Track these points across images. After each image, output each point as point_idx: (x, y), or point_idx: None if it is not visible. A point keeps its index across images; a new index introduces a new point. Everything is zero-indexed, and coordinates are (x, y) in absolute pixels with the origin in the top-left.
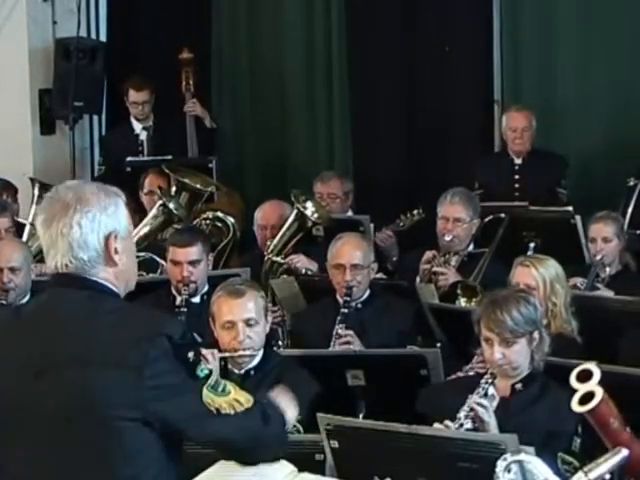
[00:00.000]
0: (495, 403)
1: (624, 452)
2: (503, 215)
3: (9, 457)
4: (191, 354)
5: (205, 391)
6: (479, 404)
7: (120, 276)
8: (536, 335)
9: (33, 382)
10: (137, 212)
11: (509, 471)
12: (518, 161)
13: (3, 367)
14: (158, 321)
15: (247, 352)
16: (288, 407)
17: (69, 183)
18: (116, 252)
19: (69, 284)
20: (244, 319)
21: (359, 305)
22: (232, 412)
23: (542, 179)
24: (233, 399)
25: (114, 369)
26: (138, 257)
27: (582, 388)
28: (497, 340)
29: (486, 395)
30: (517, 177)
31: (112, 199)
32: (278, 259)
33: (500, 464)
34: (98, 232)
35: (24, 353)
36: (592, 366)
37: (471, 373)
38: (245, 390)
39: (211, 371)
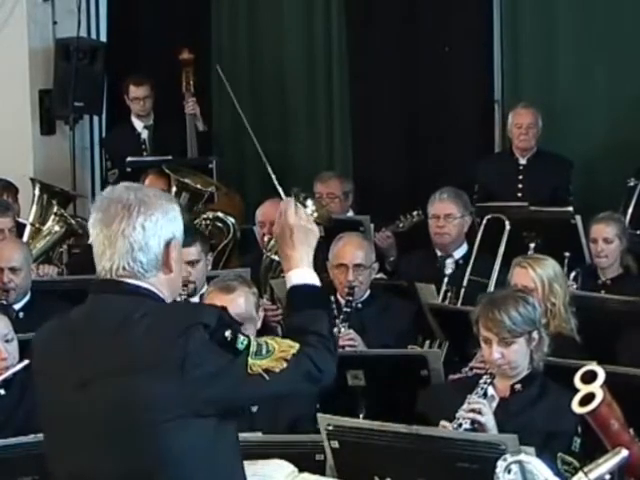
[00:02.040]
0: (494, 403)
1: (624, 453)
2: (502, 216)
3: (58, 468)
4: (228, 332)
5: (251, 360)
6: (473, 410)
7: (170, 283)
8: (535, 335)
9: (77, 394)
10: None
11: (509, 471)
12: (523, 161)
13: (50, 379)
14: (191, 312)
15: None
16: None
17: (126, 184)
18: (173, 259)
19: (112, 290)
20: (233, 315)
21: (359, 305)
22: (278, 369)
23: (547, 181)
24: (279, 354)
25: (154, 373)
26: None
27: (585, 389)
28: (495, 340)
29: (485, 395)
30: (521, 177)
31: (172, 205)
32: (276, 257)
33: (500, 464)
34: (160, 236)
35: (69, 365)
36: (597, 367)
37: (470, 374)
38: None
39: (249, 339)
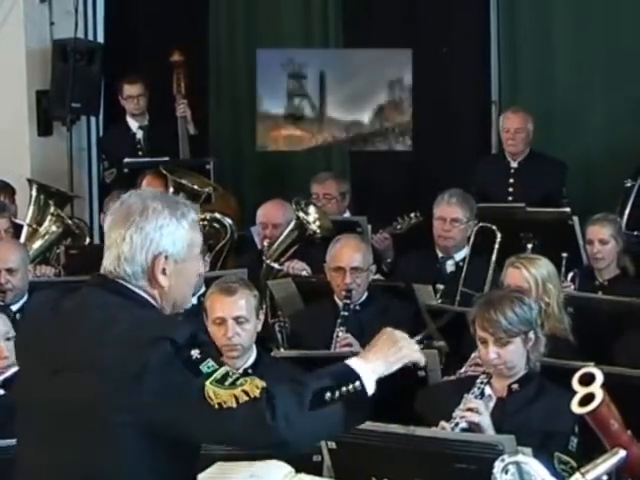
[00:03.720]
0: (491, 403)
1: (622, 453)
2: (492, 226)
3: (22, 448)
4: (195, 352)
5: (208, 385)
6: (469, 409)
7: (164, 296)
8: (531, 335)
9: (48, 380)
10: None
11: (506, 472)
12: (514, 164)
13: (29, 362)
14: (164, 326)
15: None
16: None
17: (145, 191)
18: (163, 273)
19: (105, 286)
20: (234, 317)
21: (357, 307)
22: (234, 405)
23: (538, 184)
24: (240, 390)
25: (115, 373)
26: None
27: (584, 391)
28: (492, 340)
29: (482, 395)
30: (512, 181)
31: (174, 219)
32: (275, 265)
33: (497, 465)
34: (147, 250)
35: (48, 350)
36: (594, 369)
37: (468, 373)
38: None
39: (220, 365)
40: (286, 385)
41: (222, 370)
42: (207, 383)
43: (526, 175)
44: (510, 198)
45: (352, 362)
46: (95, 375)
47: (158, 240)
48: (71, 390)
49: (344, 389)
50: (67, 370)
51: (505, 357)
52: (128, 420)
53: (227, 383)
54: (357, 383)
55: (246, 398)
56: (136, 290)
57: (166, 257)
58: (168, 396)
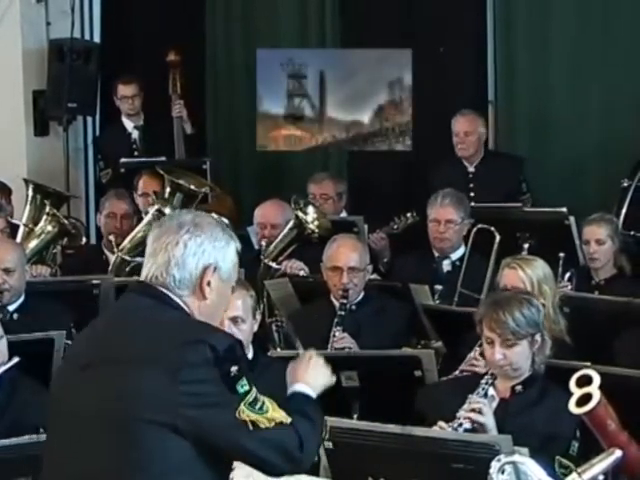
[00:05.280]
0: (494, 404)
1: (618, 453)
2: (491, 228)
3: (50, 440)
4: (234, 368)
5: (243, 407)
6: (473, 410)
7: (203, 310)
8: (538, 337)
9: (79, 375)
10: (136, 213)
11: (503, 472)
12: (471, 169)
13: (64, 365)
14: (205, 330)
15: None
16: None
17: (198, 212)
18: (208, 285)
19: (144, 292)
20: (230, 317)
21: (353, 307)
22: (268, 426)
23: (498, 185)
24: (270, 417)
25: (149, 368)
26: (134, 263)
27: (581, 392)
28: (498, 341)
29: (486, 395)
30: (471, 186)
31: (226, 237)
32: (274, 264)
33: (494, 465)
34: (199, 258)
35: (81, 351)
36: (592, 371)
37: (465, 373)
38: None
39: (251, 387)
40: (305, 421)
41: (253, 392)
42: (242, 405)
43: (484, 178)
44: (472, 203)
45: (305, 389)
46: (127, 368)
47: (211, 251)
48: (101, 385)
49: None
50: (97, 364)
51: (511, 358)
52: (159, 419)
53: (257, 407)
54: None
55: (275, 423)
56: (175, 299)
57: (215, 269)
58: (201, 400)
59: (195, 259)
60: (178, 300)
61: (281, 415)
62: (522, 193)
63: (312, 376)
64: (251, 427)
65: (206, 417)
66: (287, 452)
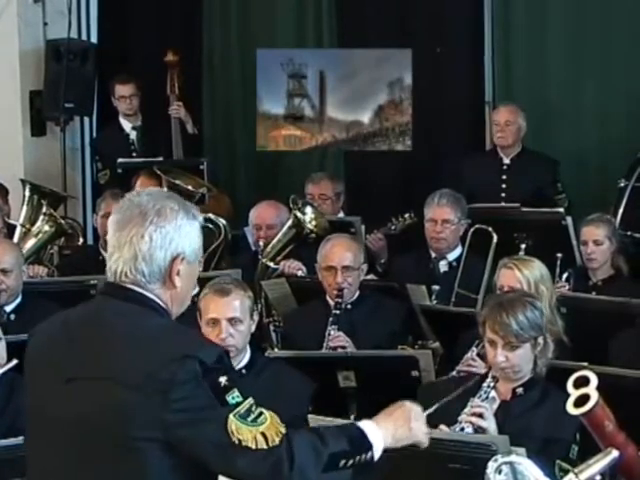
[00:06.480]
0: (495, 405)
1: (615, 453)
2: (489, 228)
3: (32, 456)
4: (223, 379)
5: (232, 418)
6: (474, 414)
7: (175, 298)
8: (540, 340)
9: (62, 390)
10: None
11: (500, 472)
12: (507, 160)
13: (42, 371)
14: (192, 344)
15: None
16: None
17: (153, 191)
18: (178, 274)
19: (118, 295)
20: (228, 318)
21: (349, 306)
22: (253, 447)
23: (531, 180)
24: (260, 432)
25: (140, 388)
26: None
27: (579, 393)
28: (501, 343)
29: (487, 399)
30: (504, 177)
31: (189, 220)
32: (272, 264)
33: (491, 465)
34: (167, 250)
35: (62, 359)
36: (589, 373)
37: (462, 374)
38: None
39: (245, 399)
40: (306, 436)
41: (246, 403)
42: (231, 416)
43: (519, 171)
44: (503, 194)
45: (367, 427)
46: (116, 387)
47: (177, 240)
48: (89, 401)
49: (357, 458)
50: (83, 379)
51: (513, 361)
52: (149, 436)
53: (250, 419)
54: (369, 454)
55: (264, 446)
56: (150, 296)
57: (182, 258)
58: (191, 416)
59: (162, 252)
60: (152, 296)
61: (276, 430)
62: (558, 192)
63: (387, 422)
64: (237, 442)
65: (195, 434)
66: (274, 472)
